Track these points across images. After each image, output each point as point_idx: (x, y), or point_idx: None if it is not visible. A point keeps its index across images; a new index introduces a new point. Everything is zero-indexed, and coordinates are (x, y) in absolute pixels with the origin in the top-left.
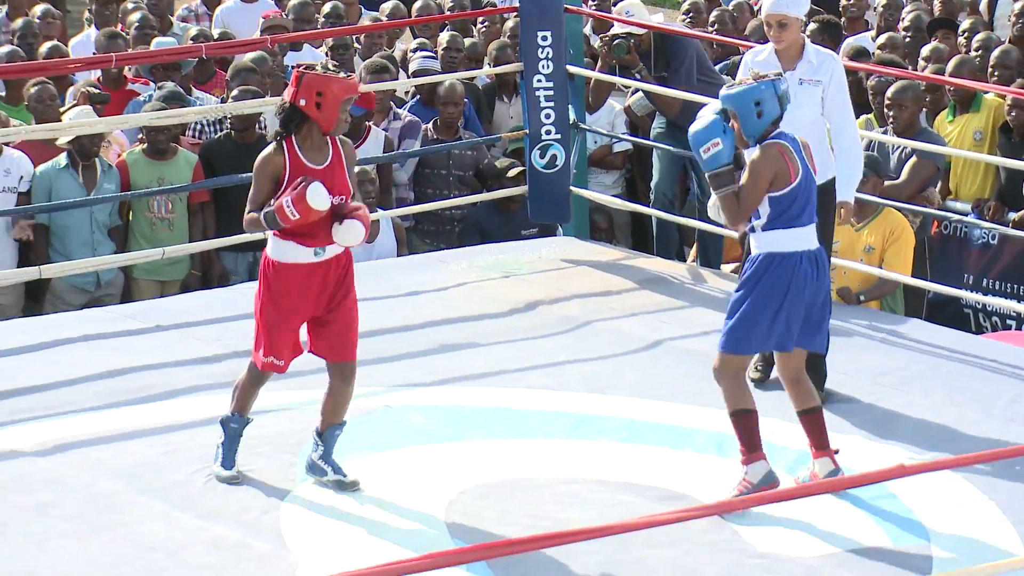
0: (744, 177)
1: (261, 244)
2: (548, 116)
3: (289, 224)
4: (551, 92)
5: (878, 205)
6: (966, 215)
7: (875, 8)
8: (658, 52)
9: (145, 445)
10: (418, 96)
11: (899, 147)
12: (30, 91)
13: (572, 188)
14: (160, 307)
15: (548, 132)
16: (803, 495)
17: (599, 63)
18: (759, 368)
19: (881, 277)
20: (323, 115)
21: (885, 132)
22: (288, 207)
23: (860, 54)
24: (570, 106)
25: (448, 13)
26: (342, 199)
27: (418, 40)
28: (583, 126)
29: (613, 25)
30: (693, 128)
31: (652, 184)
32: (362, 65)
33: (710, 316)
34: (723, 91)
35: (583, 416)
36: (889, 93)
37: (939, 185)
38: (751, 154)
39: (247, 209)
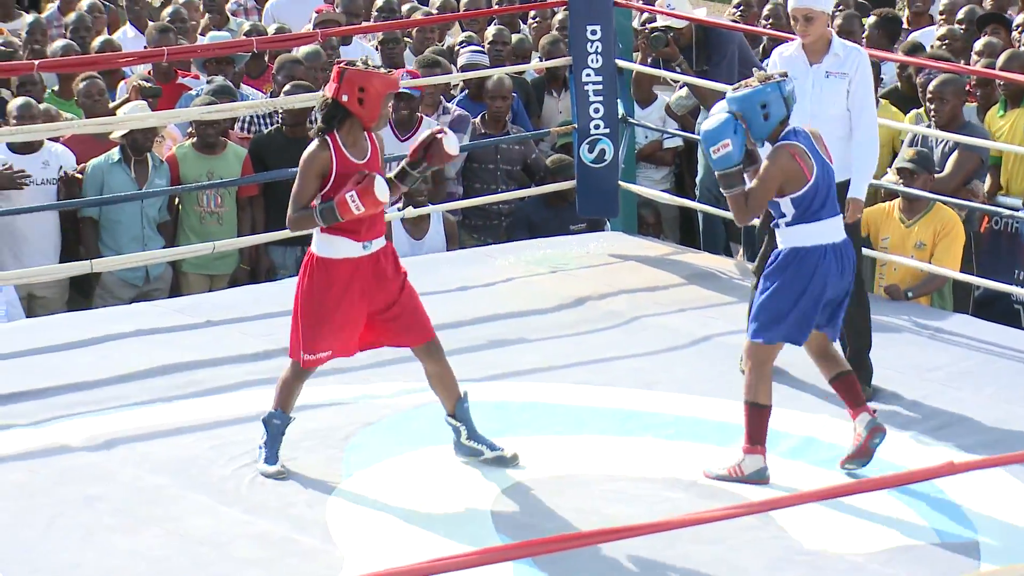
0: (754, 179)
1: (310, 239)
2: (597, 110)
3: (351, 218)
4: (600, 86)
5: (929, 201)
6: (1017, 210)
7: (941, 3)
8: (699, 46)
9: (192, 440)
10: (466, 90)
11: (943, 141)
12: (79, 86)
13: (620, 183)
14: (209, 301)
15: (597, 126)
16: (853, 492)
17: (640, 56)
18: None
19: (930, 273)
20: (365, 111)
21: (929, 126)
22: (353, 201)
23: (915, 49)
24: (619, 100)
25: (496, 7)
26: None
27: (465, 34)
28: (632, 120)
29: (655, 18)
30: (704, 127)
31: (697, 179)
32: (414, 60)
33: None
34: (729, 93)
35: (630, 412)
36: (931, 87)
37: (988, 180)
38: (764, 153)
39: (292, 207)
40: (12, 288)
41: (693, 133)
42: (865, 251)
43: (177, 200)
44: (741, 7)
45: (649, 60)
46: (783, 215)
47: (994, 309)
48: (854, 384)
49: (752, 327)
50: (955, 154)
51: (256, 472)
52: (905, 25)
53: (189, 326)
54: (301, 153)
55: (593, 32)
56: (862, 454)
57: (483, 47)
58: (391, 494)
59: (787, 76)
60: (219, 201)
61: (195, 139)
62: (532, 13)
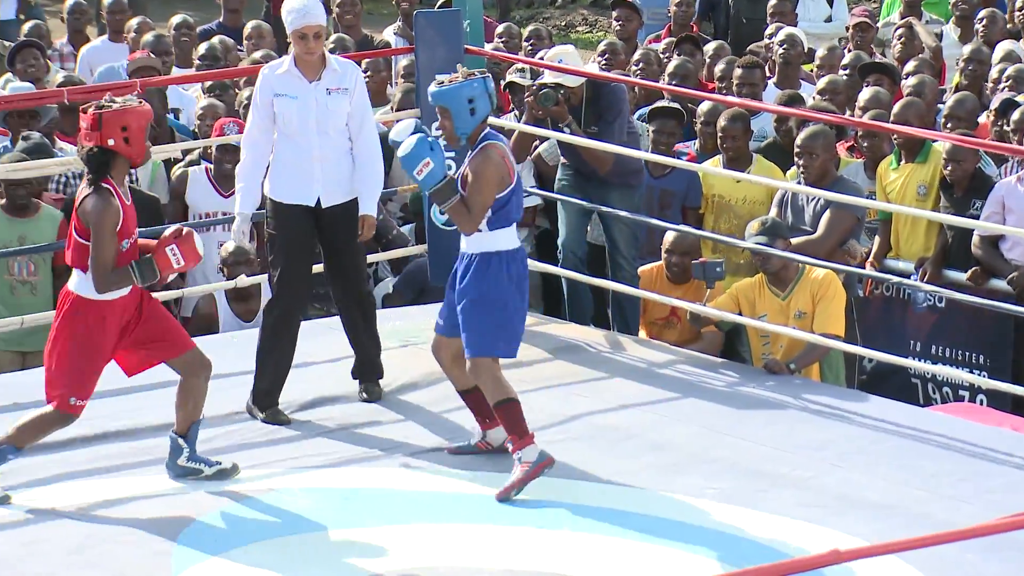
0: (471, 183)
1: None
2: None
3: (170, 273)
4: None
5: (798, 267)
6: (908, 276)
7: (818, 55)
8: (589, 103)
9: (4, 538)
10: None
11: (814, 199)
12: None
13: None
14: (20, 381)
15: None
16: None
17: (525, 115)
18: None
19: (810, 342)
20: (133, 148)
21: (798, 182)
22: (174, 254)
23: (793, 100)
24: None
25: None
26: None
27: None
28: None
29: (542, 73)
30: (400, 153)
31: (559, 242)
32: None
33: (630, 387)
34: (433, 88)
35: (486, 498)
36: (798, 140)
37: (876, 240)
38: (473, 158)
39: (99, 268)
40: None
41: (552, 191)
42: (748, 322)
43: None
44: (607, 55)
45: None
46: None
47: (890, 383)
48: (482, 397)
49: (466, 342)
50: (828, 213)
51: None
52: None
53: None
54: None
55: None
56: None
57: None
58: None
59: (488, 73)
60: (32, 269)
61: (3, 200)
62: (364, 63)
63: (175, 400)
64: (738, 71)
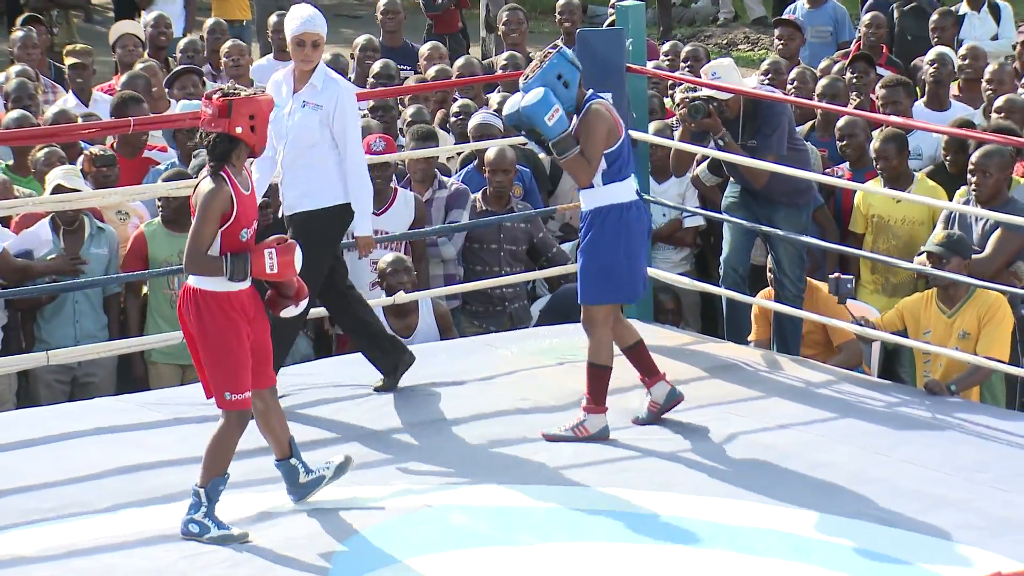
0: (582, 139)
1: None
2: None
3: (261, 277)
4: None
5: (969, 287)
6: None
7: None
8: (747, 118)
9: (161, 551)
10: (474, 161)
11: (983, 219)
12: (36, 156)
13: None
14: (180, 396)
15: None
16: None
17: (680, 130)
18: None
19: (973, 364)
20: (257, 137)
21: (968, 202)
22: (271, 258)
23: (964, 124)
24: (632, 175)
25: (501, 72)
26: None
27: (460, 102)
28: (647, 197)
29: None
30: (526, 103)
31: (721, 259)
32: (409, 133)
33: (786, 406)
34: (522, 82)
35: (645, 515)
36: (973, 159)
37: None
38: (581, 118)
39: (195, 249)
40: None
41: (717, 212)
42: (906, 341)
43: (145, 283)
44: (769, 74)
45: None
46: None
47: None
48: (646, 353)
49: (582, 290)
50: (997, 233)
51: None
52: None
53: (157, 423)
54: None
55: None
56: (655, 417)
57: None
58: None
59: (559, 45)
60: None
61: (164, 215)
62: None
63: (261, 430)
64: (882, 91)
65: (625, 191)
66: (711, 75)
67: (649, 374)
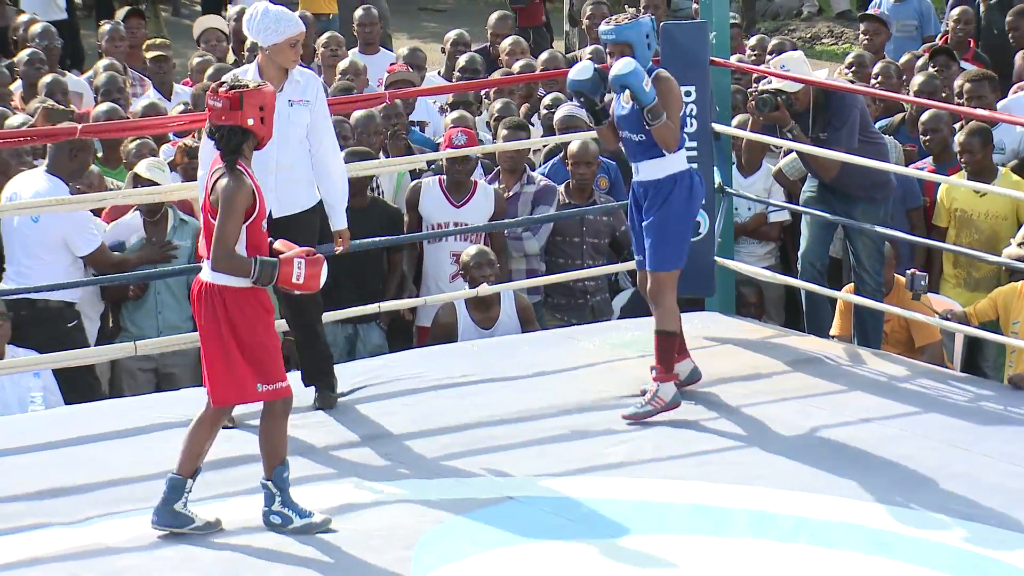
0: (666, 103)
1: (367, 318)
2: None
3: (283, 285)
4: (695, 153)
5: None
6: None
7: None
8: (818, 110)
9: (247, 540)
10: (560, 154)
11: None
12: (128, 148)
13: (717, 259)
14: None
15: None
16: None
17: (751, 121)
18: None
19: None
20: (266, 128)
21: None
22: (300, 268)
23: None
24: (716, 168)
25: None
26: None
27: (552, 95)
28: (730, 190)
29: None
30: (620, 71)
31: (799, 253)
32: (502, 123)
33: (867, 400)
34: (610, 26)
35: (728, 510)
36: None
37: None
38: (659, 83)
39: (222, 246)
40: (50, 373)
41: (800, 205)
42: (992, 336)
43: None
44: (854, 67)
45: (758, 125)
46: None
47: None
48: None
49: (658, 257)
50: None
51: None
52: None
53: (245, 414)
54: (364, 224)
55: (687, 94)
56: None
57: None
58: None
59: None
60: None
61: None
62: None
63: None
64: (967, 85)
65: (684, 159)
66: (781, 67)
67: (679, 351)
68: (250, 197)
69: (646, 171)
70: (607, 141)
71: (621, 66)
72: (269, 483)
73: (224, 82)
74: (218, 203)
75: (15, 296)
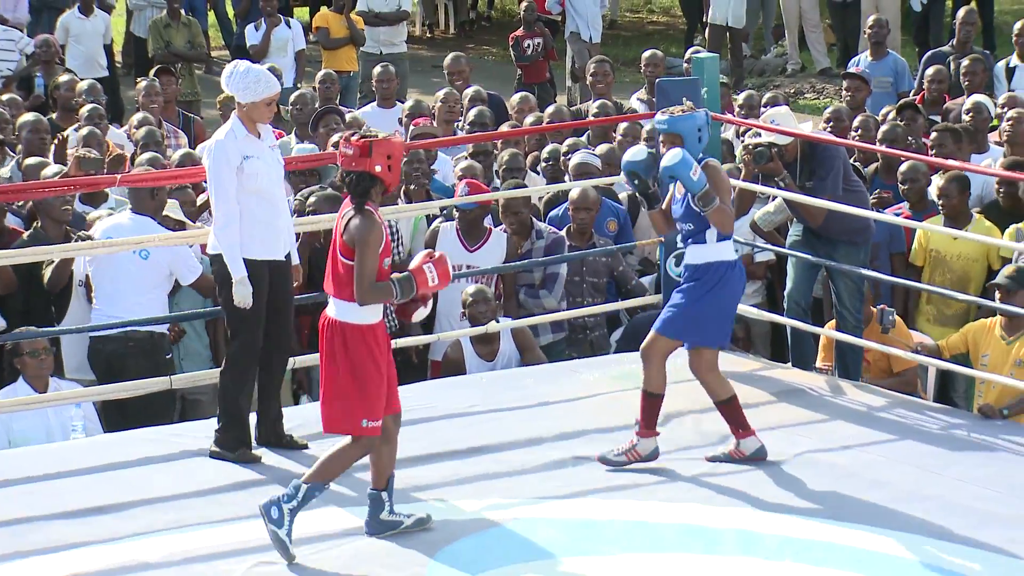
0: (718, 190)
1: None
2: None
3: (424, 291)
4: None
5: None
6: None
7: None
8: (804, 160)
9: (271, 556)
10: (564, 203)
11: None
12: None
13: None
14: (304, 414)
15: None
16: None
17: (743, 171)
18: None
19: None
20: (393, 176)
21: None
22: (431, 272)
23: (1017, 166)
24: None
25: (592, 118)
26: None
27: (549, 147)
28: None
29: (759, 132)
30: (669, 162)
31: (786, 292)
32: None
33: (848, 429)
34: (664, 117)
35: (719, 530)
36: None
37: None
38: (708, 171)
39: (364, 281)
40: (90, 403)
41: (783, 247)
42: (962, 370)
43: None
44: (831, 122)
45: (750, 175)
46: (706, 227)
47: None
48: (739, 409)
49: (664, 325)
50: None
51: None
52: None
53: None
54: None
55: None
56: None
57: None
58: None
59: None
60: None
61: None
62: (622, 126)
63: (370, 457)
64: (933, 135)
65: (732, 249)
66: (770, 122)
67: (740, 428)
68: (382, 235)
69: (691, 255)
70: (657, 226)
71: (669, 157)
72: (303, 485)
73: (356, 132)
74: (353, 243)
75: (119, 330)
